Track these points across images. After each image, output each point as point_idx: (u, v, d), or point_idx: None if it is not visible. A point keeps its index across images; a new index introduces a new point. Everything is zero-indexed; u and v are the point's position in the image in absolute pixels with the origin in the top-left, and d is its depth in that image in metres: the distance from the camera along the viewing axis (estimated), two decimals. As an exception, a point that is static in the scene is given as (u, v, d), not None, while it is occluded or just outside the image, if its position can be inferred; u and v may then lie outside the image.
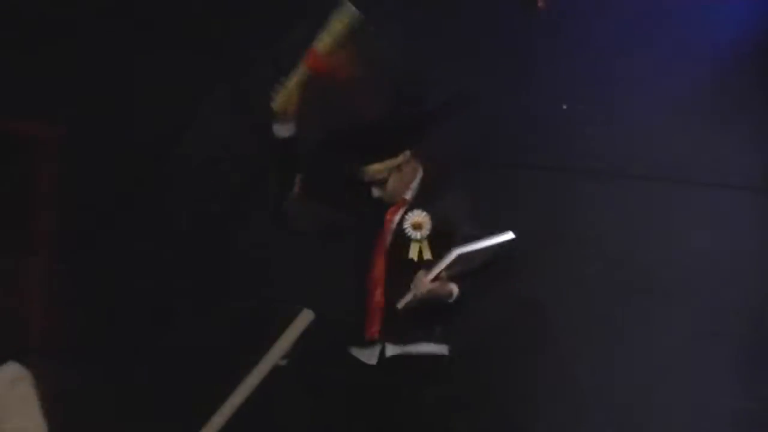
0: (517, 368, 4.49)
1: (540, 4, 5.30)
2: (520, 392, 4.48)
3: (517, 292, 4.57)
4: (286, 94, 3.62)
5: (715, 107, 5.06)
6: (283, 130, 3.66)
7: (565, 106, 5.15)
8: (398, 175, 3.70)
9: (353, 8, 3.61)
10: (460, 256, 3.49)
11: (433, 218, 3.63)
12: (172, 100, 4.60)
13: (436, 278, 3.52)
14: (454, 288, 3.57)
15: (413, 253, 3.60)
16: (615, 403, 4.68)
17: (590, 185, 5.00)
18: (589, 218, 4.97)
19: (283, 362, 3.33)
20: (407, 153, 3.72)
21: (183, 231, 4.51)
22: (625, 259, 4.94)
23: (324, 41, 3.60)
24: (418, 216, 3.63)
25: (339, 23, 3.59)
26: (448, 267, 3.50)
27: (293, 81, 3.63)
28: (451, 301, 3.59)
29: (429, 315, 3.60)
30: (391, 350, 3.61)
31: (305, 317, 3.39)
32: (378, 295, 3.61)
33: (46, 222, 4.36)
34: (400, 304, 3.53)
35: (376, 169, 3.65)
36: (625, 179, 5.08)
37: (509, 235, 3.54)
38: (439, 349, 3.65)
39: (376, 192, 3.72)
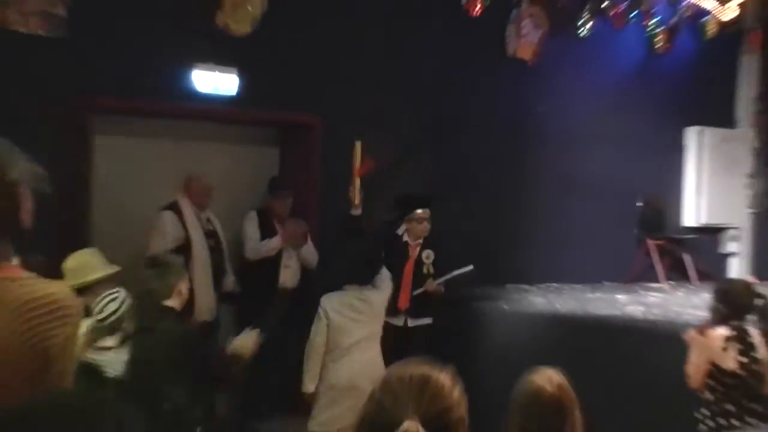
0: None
1: (530, 62, 7.53)
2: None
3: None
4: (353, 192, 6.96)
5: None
6: (355, 211, 6.99)
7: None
8: (421, 225, 6.55)
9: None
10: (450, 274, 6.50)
11: (435, 254, 6.63)
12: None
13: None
14: (442, 289, 6.58)
15: (426, 270, 6.57)
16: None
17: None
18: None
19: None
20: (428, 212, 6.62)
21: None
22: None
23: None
24: (428, 252, 6.60)
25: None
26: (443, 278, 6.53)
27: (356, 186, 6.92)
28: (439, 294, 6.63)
29: (428, 304, 6.56)
30: (411, 322, 6.54)
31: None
32: (406, 289, 6.51)
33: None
34: (416, 292, 6.51)
35: (421, 212, 6.51)
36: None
37: (470, 267, 6.45)
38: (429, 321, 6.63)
39: (405, 236, 6.64)
